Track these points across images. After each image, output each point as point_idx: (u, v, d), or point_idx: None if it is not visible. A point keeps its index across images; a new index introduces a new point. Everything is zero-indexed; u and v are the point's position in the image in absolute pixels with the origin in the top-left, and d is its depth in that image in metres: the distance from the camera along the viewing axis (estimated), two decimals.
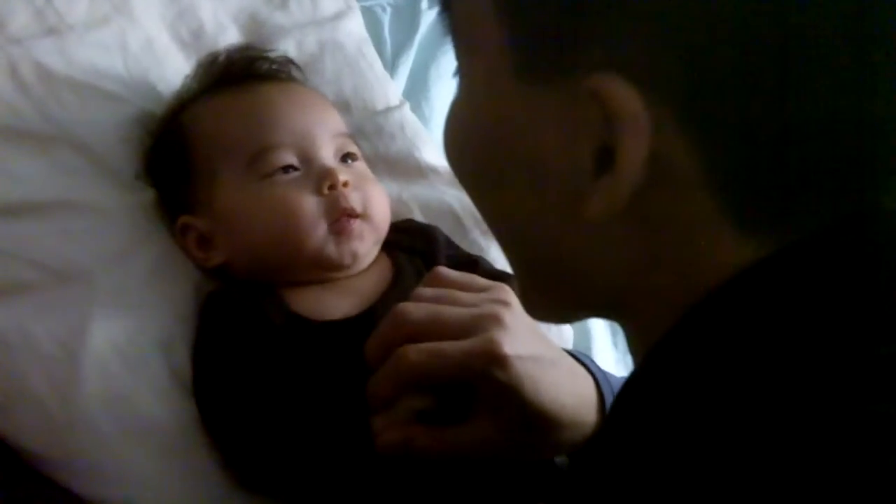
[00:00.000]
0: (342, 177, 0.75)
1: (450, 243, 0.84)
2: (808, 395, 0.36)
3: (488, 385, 0.62)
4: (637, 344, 0.46)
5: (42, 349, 0.69)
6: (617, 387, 0.67)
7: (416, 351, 0.63)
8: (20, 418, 0.69)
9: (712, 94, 0.37)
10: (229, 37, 0.93)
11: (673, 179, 0.38)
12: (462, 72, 0.46)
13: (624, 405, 0.45)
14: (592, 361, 0.70)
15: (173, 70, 0.87)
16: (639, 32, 0.37)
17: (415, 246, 0.82)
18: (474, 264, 0.81)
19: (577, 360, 0.69)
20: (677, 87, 0.37)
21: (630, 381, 0.44)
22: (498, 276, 0.76)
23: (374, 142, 0.93)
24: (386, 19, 1.16)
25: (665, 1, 0.36)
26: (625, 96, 0.37)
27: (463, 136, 0.47)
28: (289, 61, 0.87)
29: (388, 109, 0.97)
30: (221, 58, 0.83)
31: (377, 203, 0.79)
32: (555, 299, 0.49)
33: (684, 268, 0.40)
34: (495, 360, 0.62)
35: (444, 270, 0.71)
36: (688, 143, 0.38)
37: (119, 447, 0.68)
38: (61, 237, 0.74)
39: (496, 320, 0.63)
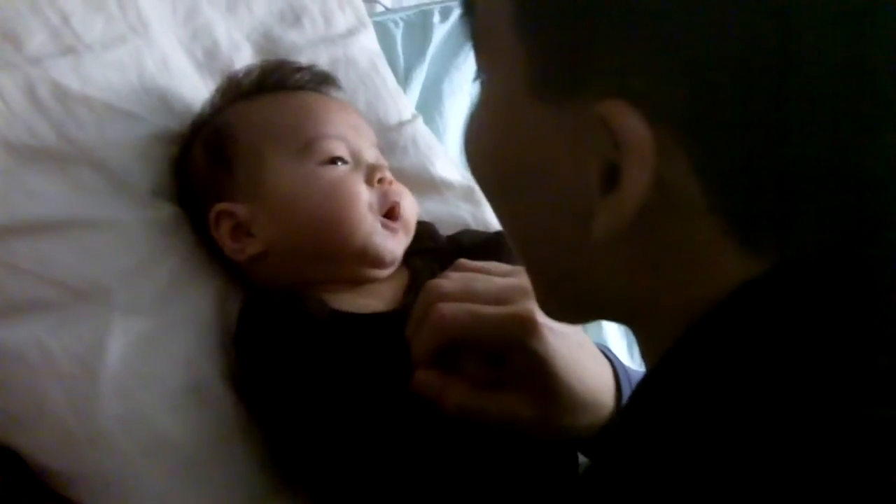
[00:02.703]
0: (388, 175, 0.78)
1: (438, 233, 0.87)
2: (810, 400, 0.37)
3: (519, 355, 0.63)
4: (646, 350, 0.47)
5: (60, 366, 0.70)
6: (634, 379, 0.68)
7: (451, 307, 0.65)
8: (39, 435, 0.69)
9: (719, 123, 0.38)
10: (243, 55, 0.94)
11: (677, 201, 0.39)
12: (482, 77, 0.47)
13: (634, 413, 0.46)
14: (610, 350, 0.71)
15: (189, 88, 0.87)
16: (649, 62, 0.38)
17: (425, 246, 0.84)
18: (457, 235, 0.86)
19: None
20: (684, 116, 0.38)
21: (638, 392, 0.45)
22: (489, 237, 0.82)
23: (387, 157, 0.93)
24: (398, 34, 1.16)
25: (676, 34, 0.37)
26: (632, 124, 0.38)
27: (480, 141, 0.48)
28: (326, 75, 0.88)
29: (401, 124, 0.97)
30: (255, 71, 0.85)
31: (410, 209, 0.81)
32: (565, 303, 0.51)
33: (689, 283, 0.41)
34: (530, 328, 0.63)
35: (466, 261, 0.72)
36: (693, 168, 0.39)
37: (137, 464, 0.69)
38: (78, 255, 0.75)
39: (527, 294, 0.64)
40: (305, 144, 0.78)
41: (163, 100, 0.86)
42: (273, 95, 0.83)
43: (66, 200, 0.77)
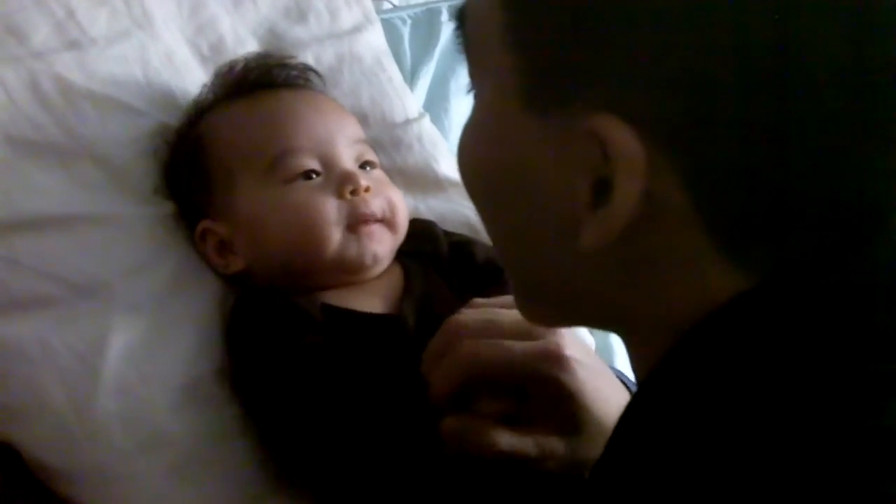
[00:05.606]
0: (363, 182, 0.76)
1: (444, 232, 0.85)
2: (806, 412, 0.37)
3: (547, 388, 0.62)
4: (635, 359, 0.48)
5: (61, 362, 0.69)
6: None
7: (480, 343, 0.62)
8: (38, 431, 0.69)
9: (710, 139, 0.38)
10: (248, 50, 0.93)
11: (666, 215, 0.40)
12: (474, 91, 0.47)
13: (625, 431, 0.46)
14: (624, 375, 0.70)
15: (193, 83, 0.87)
16: (640, 76, 0.38)
17: (422, 248, 0.83)
18: (469, 244, 0.83)
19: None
20: (675, 131, 0.38)
21: (629, 407, 0.45)
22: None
23: (391, 154, 0.93)
24: (406, 31, 1.16)
25: (668, 49, 0.37)
26: (622, 138, 0.38)
27: (472, 155, 0.48)
28: (307, 68, 0.87)
29: (407, 121, 0.97)
30: (239, 66, 0.84)
31: (398, 208, 0.79)
32: (549, 309, 0.51)
33: (676, 294, 0.42)
34: (560, 362, 0.61)
35: (479, 300, 0.69)
36: (682, 182, 0.39)
37: (136, 461, 0.68)
38: (81, 251, 0.74)
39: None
40: (272, 163, 0.76)
41: (167, 95, 0.86)
42: (248, 100, 0.81)
43: (68, 196, 0.76)
